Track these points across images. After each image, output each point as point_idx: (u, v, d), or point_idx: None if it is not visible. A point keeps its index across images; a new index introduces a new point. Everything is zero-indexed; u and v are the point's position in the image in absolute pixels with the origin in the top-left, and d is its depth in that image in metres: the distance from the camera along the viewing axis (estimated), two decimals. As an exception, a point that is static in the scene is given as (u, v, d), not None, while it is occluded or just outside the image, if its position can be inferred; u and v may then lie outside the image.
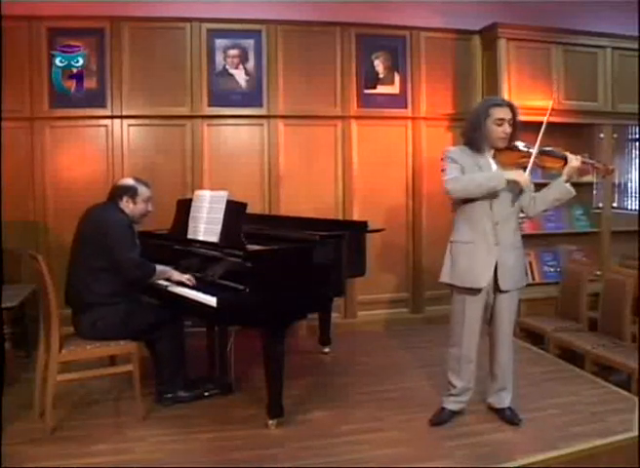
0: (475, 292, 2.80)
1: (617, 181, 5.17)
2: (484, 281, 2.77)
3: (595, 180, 4.98)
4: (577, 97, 4.73)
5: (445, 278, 2.89)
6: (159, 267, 3.04)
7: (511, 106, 2.77)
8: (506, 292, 2.81)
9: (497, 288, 2.81)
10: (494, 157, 2.80)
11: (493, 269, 2.77)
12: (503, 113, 2.73)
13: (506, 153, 2.79)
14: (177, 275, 3.06)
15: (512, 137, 2.78)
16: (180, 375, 3.15)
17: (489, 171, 2.77)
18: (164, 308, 3.14)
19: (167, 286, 3.07)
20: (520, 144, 2.80)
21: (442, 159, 2.84)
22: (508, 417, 2.91)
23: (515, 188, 2.75)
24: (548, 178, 2.92)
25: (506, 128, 2.73)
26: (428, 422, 2.92)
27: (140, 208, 3.13)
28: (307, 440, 2.76)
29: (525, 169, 2.74)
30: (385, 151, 4.73)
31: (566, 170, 2.70)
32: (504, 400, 2.94)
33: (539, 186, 2.89)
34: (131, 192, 3.09)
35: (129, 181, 3.16)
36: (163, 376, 3.13)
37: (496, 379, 2.95)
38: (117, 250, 2.90)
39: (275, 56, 4.52)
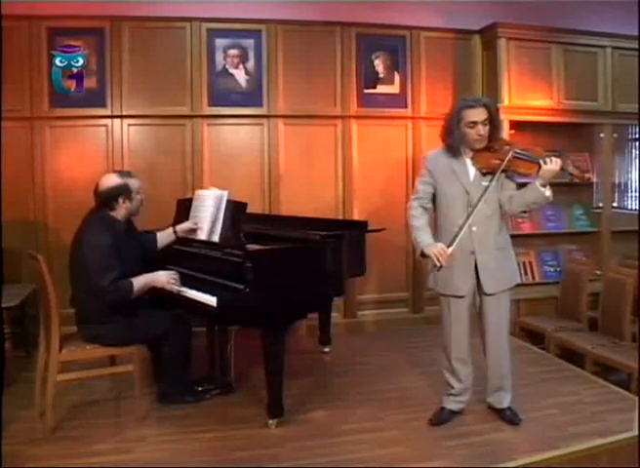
0: (458, 296, 2.81)
1: (617, 181, 5.17)
2: (463, 289, 2.79)
3: (595, 180, 5.00)
4: (577, 97, 4.73)
5: (431, 284, 2.92)
6: (138, 279, 2.88)
7: (487, 105, 2.70)
8: (491, 294, 2.80)
9: (481, 290, 2.80)
10: (472, 158, 2.77)
11: (472, 276, 2.77)
12: (475, 115, 2.67)
13: (483, 154, 2.74)
14: (160, 283, 2.93)
15: (492, 137, 2.73)
16: (183, 378, 3.14)
17: (464, 175, 2.75)
18: (167, 317, 3.07)
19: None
20: (497, 146, 2.73)
21: (422, 166, 2.87)
22: (508, 417, 2.90)
23: (492, 193, 2.70)
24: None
25: (480, 130, 2.68)
26: (428, 422, 2.92)
27: (137, 201, 3.04)
28: (307, 440, 2.76)
29: (503, 171, 2.67)
30: (385, 151, 4.73)
31: (541, 173, 2.62)
32: (504, 400, 2.94)
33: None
34: (124, 191, 2.96)
35: (116, 180, 2.96)
36: (166, 378, 3.12)
37: (491, 379, 2.94)
38: (91, 276, 2.80)
39: (275, 55, 4.51)
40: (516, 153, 2.68)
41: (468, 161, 2.78)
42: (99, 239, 2.85)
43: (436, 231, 2.86)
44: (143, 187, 3.11)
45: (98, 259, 2.81)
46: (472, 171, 2.77)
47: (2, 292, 3.32)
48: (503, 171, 2.69)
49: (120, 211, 2.98)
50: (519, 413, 2.92)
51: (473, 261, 2.76)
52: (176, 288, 2.95)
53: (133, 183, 3.01)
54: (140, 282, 2.89)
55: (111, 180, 2.98)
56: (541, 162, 2.61)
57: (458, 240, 2.61)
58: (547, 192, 2.64)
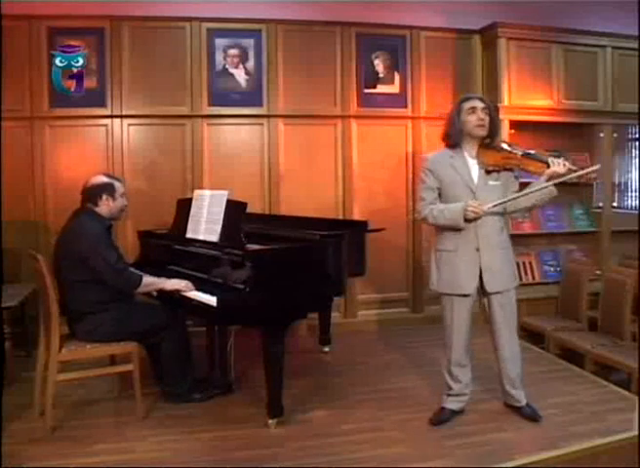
0: (462, 295, 2.82)
1: (617, 181, 5.18)
2: (469, 288, 2.80)
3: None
4: (577, 97, 4.74)
5: (433, 285, 2.94)
6: (148, 278, 2.97)
7: (482, 99, 2.83)
8: (496, 293, 2.81)
9: (485, 290, 2.81)
10: (477, 156, 2.80)
11: (476, 274, 2.78)
12: (474, 103, 2.78)
13: (490, 153, 2.80)
14: (170, 285, 2.98)
15: (492, 133, 2.80)
16: (187, 377, 3.14)
17: (466, 174, 2.78)
18: (164, 310, 3.10)
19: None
20: (504, 145, 2.83)
21: (422, 170, 2.90)
22: (529, 414, 2.91)
23: (495, 190, 2.77)
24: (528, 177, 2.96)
25: (479, 114, 2.76)
26: (428, 422, 2.92)
27: (119, 203, 3.09)
28: (307, 439, 2.76)
29: (509, 170, 2.79)
30: (385, 151, 4.73)
31: (549, 172, 2.71)
32: (522, 397, 2.94)
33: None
34: (109, 189, 3.04)
35: (103, 179, 3.07)
36: (171, 378, 3.11)
37: (507, 377, 2.94)
38: (93, 260, 2.86)
39: (275, 55, 4.52)
40: (527, 152, 2.79)
41: (470, 160, 2.81)
42: (94, 226, 2.95)
43: (441, 231, 2.87)
44: (127, 195, 3.18)
45: (97, 244, 2.89)
46: (475, 169, 2.80)
47: (2, 292, 3.32)
48: (509, 170, 2.79)
49: (103, 208, 3.04)
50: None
51: (478, 259, 2.77)
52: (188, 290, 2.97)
53: (117, 185, 3.10)
54: (148, 280, 2.97)
55: (98, 179, 3.09)
56: (550, 161, 2.72)
57: (499, 202, 2.72)
58: (552, 186, 2.75)
